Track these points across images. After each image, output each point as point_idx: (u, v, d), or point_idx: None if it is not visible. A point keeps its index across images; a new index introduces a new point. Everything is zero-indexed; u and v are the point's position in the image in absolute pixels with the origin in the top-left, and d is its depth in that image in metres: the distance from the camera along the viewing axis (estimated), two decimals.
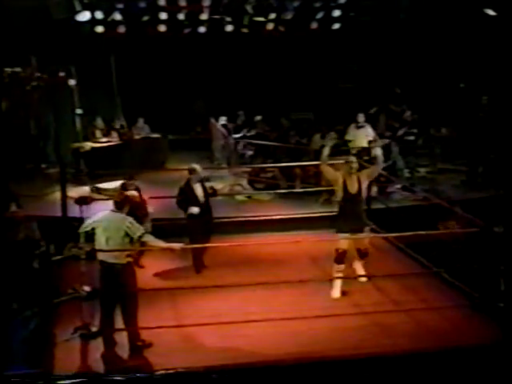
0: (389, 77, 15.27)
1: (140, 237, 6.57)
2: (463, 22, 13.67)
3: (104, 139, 13.85)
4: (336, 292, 7.90)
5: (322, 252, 9.22)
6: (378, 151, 8.47)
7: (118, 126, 14.40)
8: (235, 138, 13.53)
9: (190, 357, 6.53)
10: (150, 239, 6.67)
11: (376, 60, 15.42)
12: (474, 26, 13.59)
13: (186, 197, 8.71)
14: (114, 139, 13.90)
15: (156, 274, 8.64)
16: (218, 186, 10.68)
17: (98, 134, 13.97)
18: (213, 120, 14.59)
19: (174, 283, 8.27)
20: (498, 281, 7.03)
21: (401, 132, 13.71)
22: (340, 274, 7.97)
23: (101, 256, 6.66)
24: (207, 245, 8.54)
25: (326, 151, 8.16)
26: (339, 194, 8.12)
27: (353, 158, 8.27)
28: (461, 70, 14.46)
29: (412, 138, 13.64)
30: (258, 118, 14.38)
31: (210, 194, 8.93)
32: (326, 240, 8.99)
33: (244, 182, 12.45)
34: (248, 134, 14.14)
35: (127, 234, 6.55)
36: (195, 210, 8.63)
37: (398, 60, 15.16)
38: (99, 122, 14.15)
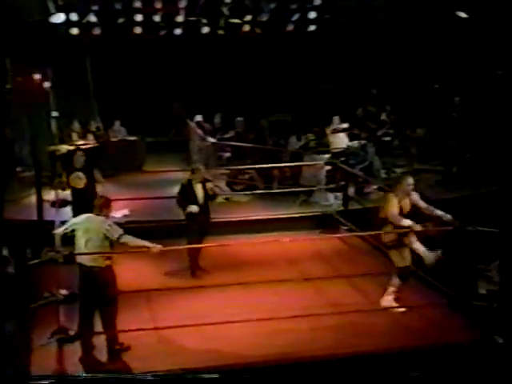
0: (366, 78, 15.34)
1: (119, 238, 6.55)
2: (437, 23, 13.79)
3: (80, 142, 13.71)
4: (431, 255, 7.51)
5: (302, 252, 9.26)
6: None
7: (94, 129, 14.28)
8: (213, 141, 13.49)
9: (169, 359, 6.48)
10: (129, 239, 6.64)
11: (353, 61, 15.48)
12: (447, 27, 13.72)
13: (186, 196, 8.66)
14: (90, 142, 13.77)
15: (136, 276, 8.55)
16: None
17: (75, 136, 13.83)
18: (190, 122, 14.53)
19: (153, 285, 8.21)
20: (474, 280, 7.10)
21: (379, 133, 13.81)
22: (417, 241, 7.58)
23: (80, 259, 6.61)
24: (185, 246, 8.49)
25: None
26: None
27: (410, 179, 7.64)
28: (435, 70, 14.58)
29: (388, 138, 13.74)
30: (239, 119, 14.35)
31: (210, 196, 8.87)
32: (312, 240, 8.99)
33: (222, 184, 12.41)
34: (226, 136, 14.10)
35: (106, 237, 6.54)
36: (194, 208, 8.56)
37: (374, 61, 15.23)
38: (75, 125, 14.02)
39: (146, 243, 6.74)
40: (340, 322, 7.16)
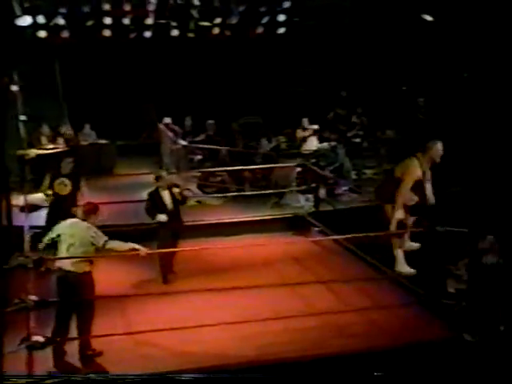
0: (336, 81, 15.46)
1: (104, 245, 6.59)
2: (403, 26, 13.95)
3: (50, 146, 13.56)
4: (407, 267, 7.66)
5: (276, 254, 9.30)
6: None
7: (63, 132, 14.14)
8: (184, 144, 13.48)
9: (141, 364, 6.44)
10: (115, 245, 6.69)
11: (323, 64, 15.59)
12: (413, 30, 13.89)
13: (154, 204, 8.64)
14: (60, 146, 13.63)
15: (108, 281, 8.47)
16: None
17: (44, 140, 13.68)
18: (161, 125, 14.49)
19: (126, 290, 8.16)
20: (443, 279, 7.20)
21: (350, 134, 13.94)
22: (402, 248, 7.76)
23: (59, 263, 6.60)
24: (163, 250, 8.43)
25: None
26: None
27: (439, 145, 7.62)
28: (404, 72, 14.77)
29: (359, 140, 13.87)
30: (210, 122, 14.34)
31: (180, 200, 8.84)
32: (285, 242, 9.03)
33: (193, 187, 12.40)
34: (197, 139, 14.09)
35: (92, 244, 6.58)
36: (163, 217, 8.55)
37: (344, 64, 15.35)
38: (45, 129, 13.86)
39: (133, 245, 6.79)
40: (315, 323, 7.19)
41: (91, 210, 6.84)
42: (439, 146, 7.61)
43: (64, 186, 9.15)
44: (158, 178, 8.80)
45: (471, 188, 10.28)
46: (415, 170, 7.63)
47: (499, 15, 11.82)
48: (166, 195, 8.68)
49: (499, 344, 6.66)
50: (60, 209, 8.76)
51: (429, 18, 13.25)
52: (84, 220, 6.77)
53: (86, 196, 9.43)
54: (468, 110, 12.35)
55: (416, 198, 7.67)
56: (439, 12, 13.12)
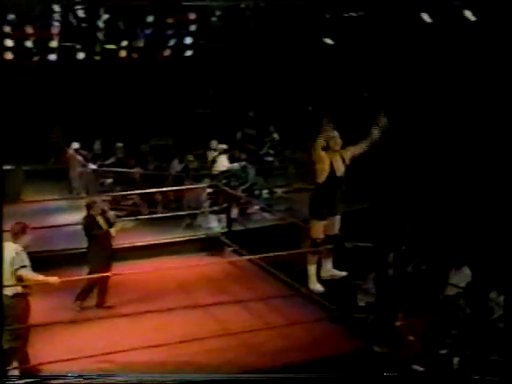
0: (244, 101, 15.77)
1: (16, 270, 6.46)
2: (306, 48, 14.43)
3: None
4: (317, 285, 7.33)
5: (191, 276, 9.34)
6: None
7: None
8: (93, 168, 13.35)
9: None
10: (27, 274, 6.55)
11: (230, 85, 15.87)
12: (315, 52, 14.42)
13: (89, 229, 8.64)
14: None
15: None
16: (77, 216, 10.47)
17: None
18: (69, 149, 14.26)
19: (38, 318, 7.98)
20: (353, 293, 7.52)
21: (262, 152, 14.22)
22: (315, 265, 7.30)
23: None
24: (73, 278, 8.30)
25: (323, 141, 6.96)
26: (323, 175, 6.95)
27: (335, 133, 7.06)
28: (311, 92, 15.24)
29: (270, 159, 14.15)
30: (119, 144, 14.24)
31: (112, 223, 8.89)
32: (200, 263, 9.05)
33: None
34: (107, 162, 13.98)
35: (11, 265, 6.46)
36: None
37: (252, 84, 15.66)
38: None
39: (43, 278, 6.69)
40: (229, 343, 7.29)
41: (18, 231, 6.71)
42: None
43: None
44: (89, 206, 8.78)
45: (378, 204, 10.73)
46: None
47: (397, 37, 12.50)
48: (100, 220, 8.74)
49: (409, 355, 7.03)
50: None
51: (329, 41, 13.80)
52: (15, 241, 6.63)
53: None
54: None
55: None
56: (341, 35, 13.69)
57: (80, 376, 5.83)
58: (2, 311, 5.93)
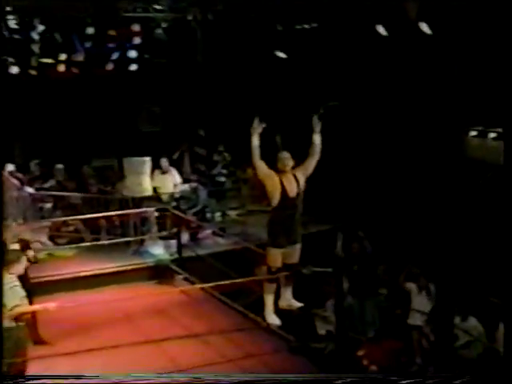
0: (192, 119, 15.78)
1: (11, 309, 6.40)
2: (255, 63, 14.56)
3: None
4: (274, 317, 7.23)
5: (139, 307, 9.27)
6: None
7: None
8: (31, 192, 13.14)
9: None
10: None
11: (178, 102, 15.87)
12: (266, 66, 14.57)
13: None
14: None
15: None
16: (14, 245, 10.29)
17: None
18: (4, 172, 13.99)
19: None
20: (311, 321, 7.60)
21: (214, 172, 14.23)
22: (273, 295, 7.18)
23: None
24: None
25: (256, 141, 6.96)
26: (275, 197, 6.84)
27: (285, 153, 7.04)
28: (260, 109, 15.34)
29: (223, 179, 14.17)
30: (59, 166, 14.04)
31: (33, 262, 8.60)
32: (148, 293, 8.98)
33: (44, 238, 12.10)
34: (45, 186, 13.77)
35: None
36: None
37: (201, 102, 15.70)
38: None
39: (41, 306, 6.87)
40: (183, 379, 7.25)
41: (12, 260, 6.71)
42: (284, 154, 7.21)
43: None
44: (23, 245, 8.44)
45: (338, 227, 10.83)
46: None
47: (352, 50, 12.76)
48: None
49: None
50: None
51: (282, 55, 13.98)
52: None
53: None
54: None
55: None
56: (294, 48, 13.89)
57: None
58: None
